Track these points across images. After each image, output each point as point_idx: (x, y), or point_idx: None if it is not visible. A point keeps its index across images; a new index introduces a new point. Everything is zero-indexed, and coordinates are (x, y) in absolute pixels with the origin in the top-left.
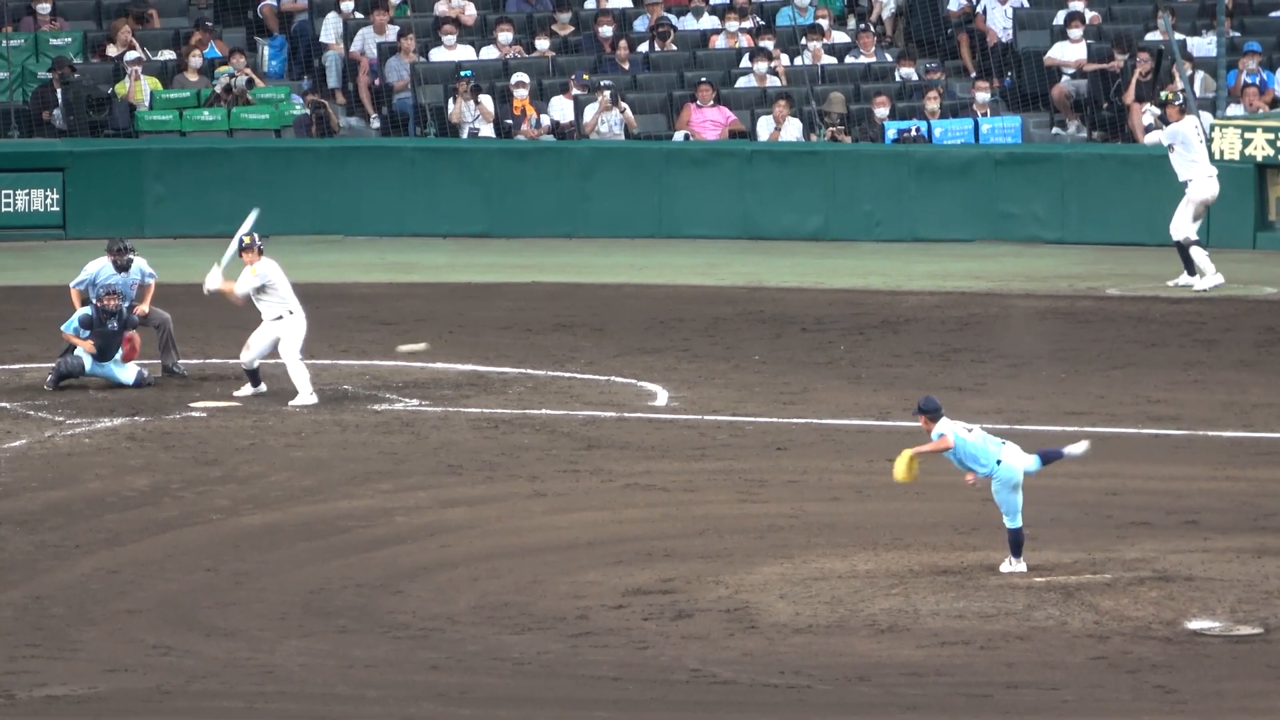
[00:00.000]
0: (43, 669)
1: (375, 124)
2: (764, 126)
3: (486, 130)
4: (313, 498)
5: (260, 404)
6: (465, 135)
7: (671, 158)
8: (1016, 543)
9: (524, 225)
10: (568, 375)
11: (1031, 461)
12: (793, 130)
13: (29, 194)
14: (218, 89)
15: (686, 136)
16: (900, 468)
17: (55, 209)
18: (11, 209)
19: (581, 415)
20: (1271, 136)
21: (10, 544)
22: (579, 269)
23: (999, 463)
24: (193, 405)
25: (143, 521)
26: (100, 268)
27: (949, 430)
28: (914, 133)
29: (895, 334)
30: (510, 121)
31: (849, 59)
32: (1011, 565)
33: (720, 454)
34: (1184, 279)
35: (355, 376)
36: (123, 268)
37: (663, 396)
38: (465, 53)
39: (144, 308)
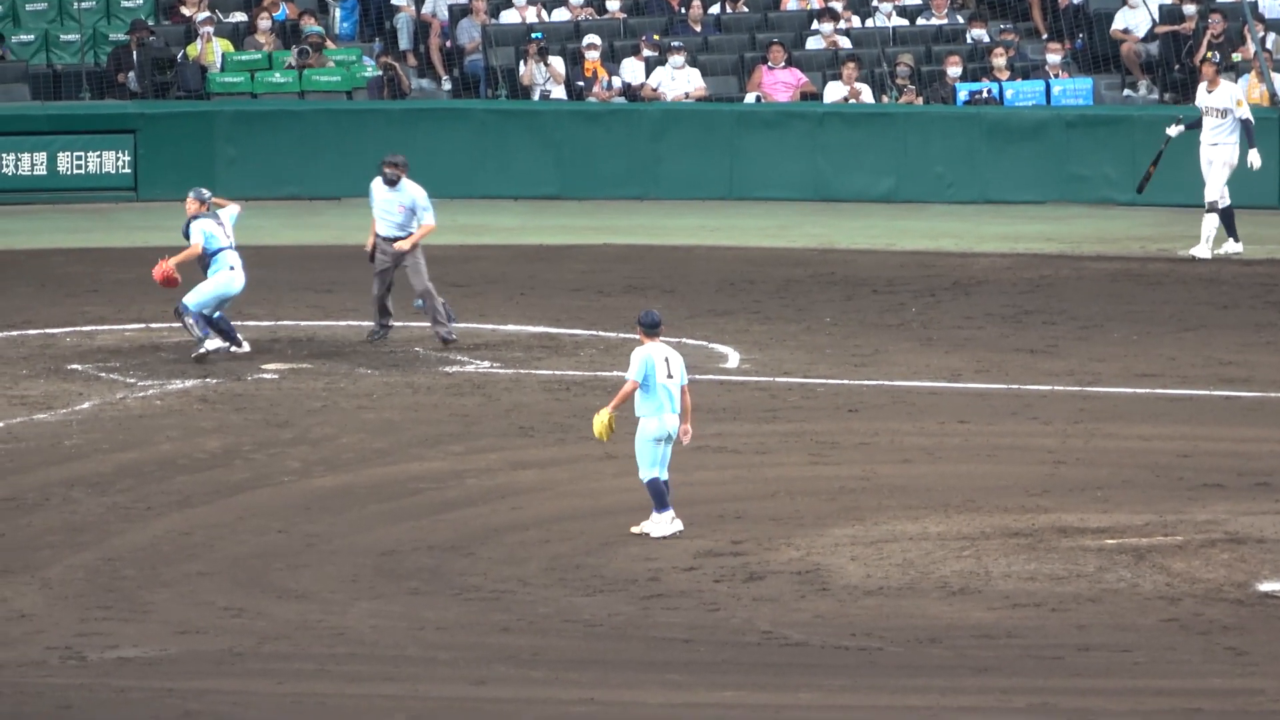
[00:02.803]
0: (114, 631)
1: (446, 86)
2: (833, 91)
3: (558, 92)
4: (384, 460)
5: (331, 366)
6: (536, 97)
7: (743, 120)
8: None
9: (595, 187)
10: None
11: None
12: (863, 94)
13: (100, 156)
14: (293, 61)
15: (758, 98)
16: (599, 427)
17: (127, 171)
18: (83, 171)
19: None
20: None
21: (82, 506)
22: (650, 231)
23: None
24: (264, 367)
25: (214, 483)
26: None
27: (638, 361)
28: (985, 94)
29: (967, 296)
30: (581, 83)
31: (920, 21)
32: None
33: (791, 416)
34: (1230, 246)
35: (427, 339)
36: (391, 181)
37: (734, 358)
38: (536, 14)
39: (405, 244)
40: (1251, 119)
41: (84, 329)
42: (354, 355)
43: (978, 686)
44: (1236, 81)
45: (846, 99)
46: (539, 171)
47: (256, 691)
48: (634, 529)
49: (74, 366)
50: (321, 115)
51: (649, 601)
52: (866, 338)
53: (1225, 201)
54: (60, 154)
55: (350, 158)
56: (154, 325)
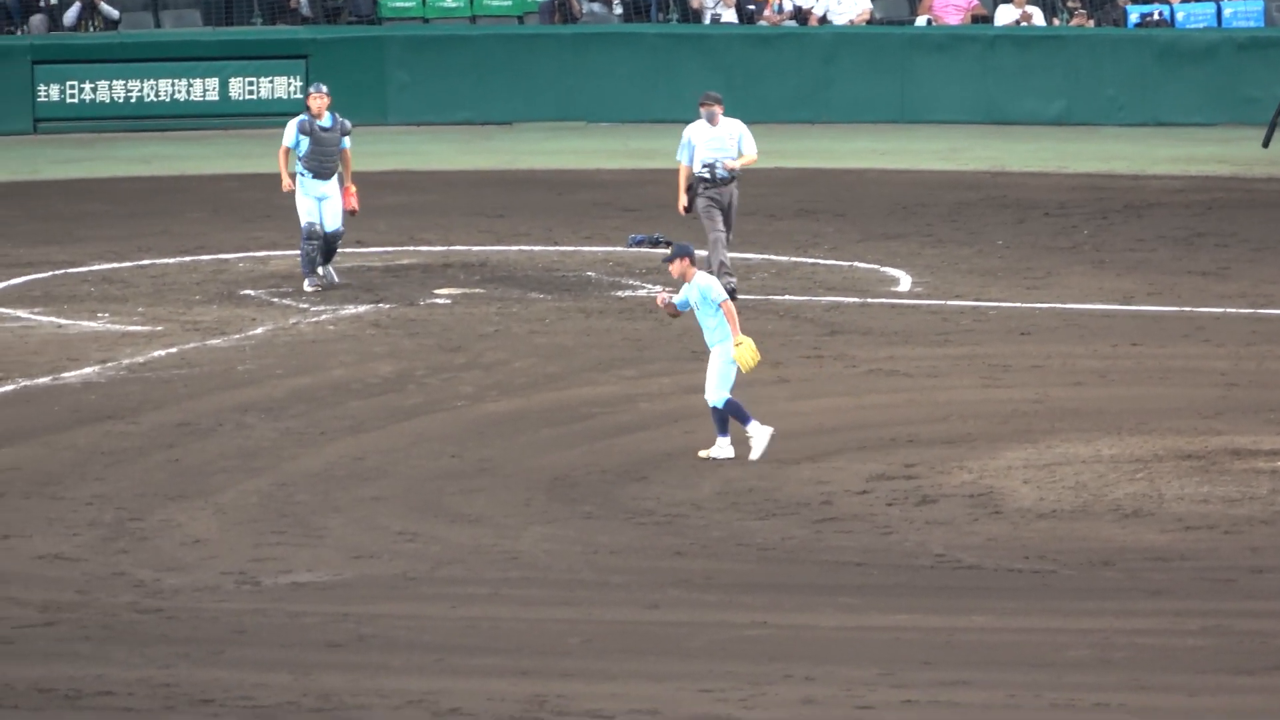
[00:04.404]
0: (288, 556)
1: (618, 10)
2: (1004, 14)
3: (729, 16)
4: (557, 384)
5: (503, 291)
6: (707, 21)
7: (914, 43)
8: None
9: (766, 111)
10: (810, 261)
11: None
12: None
13: (272, 81)
14: None
15: (929, 21)
16: (747, 358)
17: (298, 96)
18: (255, 96)
19: (824, 301)
20: None
21: (256, 431)
22: (821, 154)
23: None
24: (437, 292)
25: (387, 408)
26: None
27: (717, 285)
28: (1156, 17)
29: (1139, 218)
30: (753, 6)
31: None
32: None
33: (963, 339)
34: None
35: (599, 263)
36: (713, 119)
37: (906, 282)
38: None
39: (735, 164)
40: None
41: (257, 254)
42: (526, 280)
43: (1151, 609)
44: None
45: (1018, 22)
46: None
47: (430, 615)
48: (703, 453)
49: (247, 292)
50: (493, 40)
51: (821, 525)
52: (1038, 260)
53: None
54: (232, 79)
55: (522, 82)
56: None
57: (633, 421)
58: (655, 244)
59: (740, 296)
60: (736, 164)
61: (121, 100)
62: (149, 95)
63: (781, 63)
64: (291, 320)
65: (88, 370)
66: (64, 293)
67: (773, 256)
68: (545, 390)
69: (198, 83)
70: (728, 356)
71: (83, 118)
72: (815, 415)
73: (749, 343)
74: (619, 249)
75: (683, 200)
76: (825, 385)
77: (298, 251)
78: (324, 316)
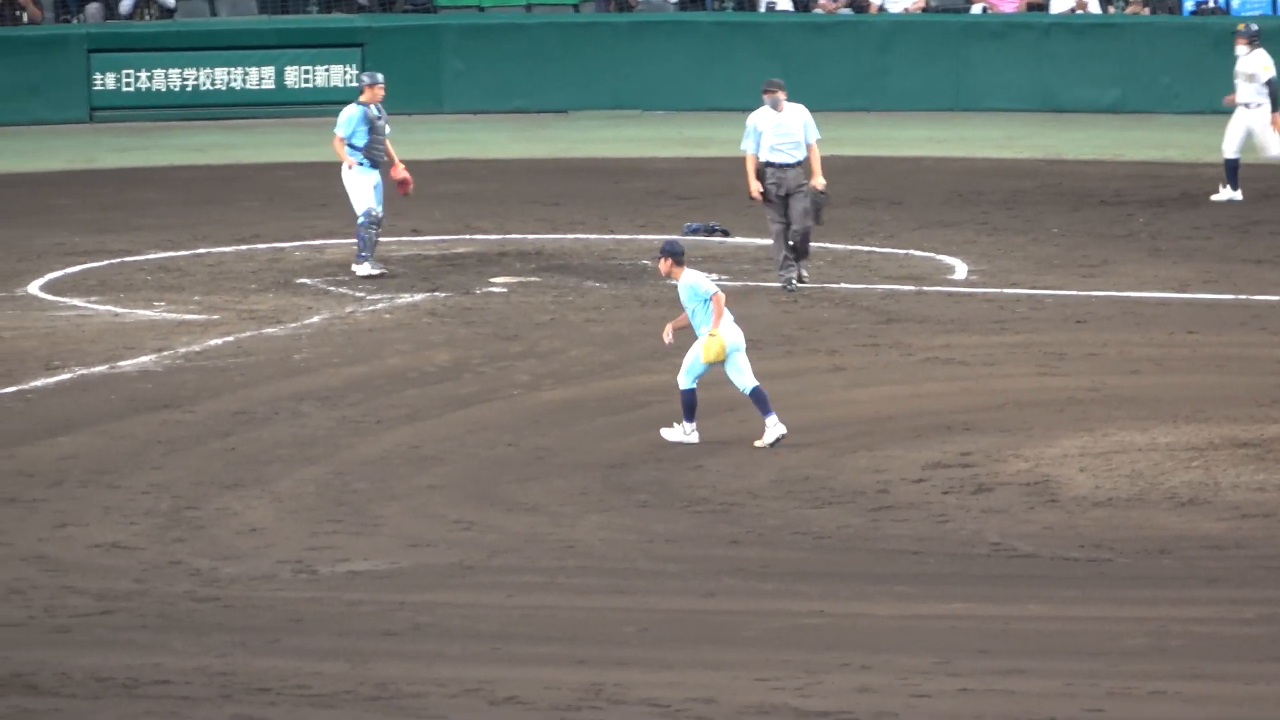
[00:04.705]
0: (345, 544)
1: None
2: (1059, 1)
3: (784, 4)
4: (612, 372)
5: (559, 279)
6: (763, 9)
7: (969, 30)
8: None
9: (821, 99)
10: (866, 249)
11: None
12: (1090, 4)
13: (328, 70)
14: None
15: (984, 8)
16: (713, 352)
17: (354, 85)
18: (311, 85)
19: (880, 289)
20: None
21: (312, 420)
22: (876, 142)
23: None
24: (493, 281)
25: (443, 397)
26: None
27: (705, 281)
28: (1212, 4)
29: (1194, 206)
30: None
31: None
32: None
33: (1019, 327)
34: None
35: (654, 251)
36: (777, 105)
37: (961, 270)
38: None
39: (818, 180)
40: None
41: (312, 243)
42: (582, 268)
43: (1207, 598)
44: None
45: (1073, 9)
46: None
47: (487, 604)
48: (759, 443)
49: (303, 281)
50: (548, 28)
51: (878, 514)
52: (1094, 248)
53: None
54: (288, 68)
55: (577, 70)
56: (382, 240)
57: None
58: (711, 232)
59: (799, 285)
60: (821, 182)
61: (177, 89)
62: (205, 84)
63: (837, 50)
64: (348, 309)
65: (144, 359)
66: (120, 281)
67: (828, 244)
68: (601, 378)
69: (253, 71)
70: (730, 344)
71: (139, 106)
72: (871, 403)
73: (720, 340)
74: (674, 237)
75: (755, 186)
76: (881, 373)
77: (353, 240)
78: (380, 305)
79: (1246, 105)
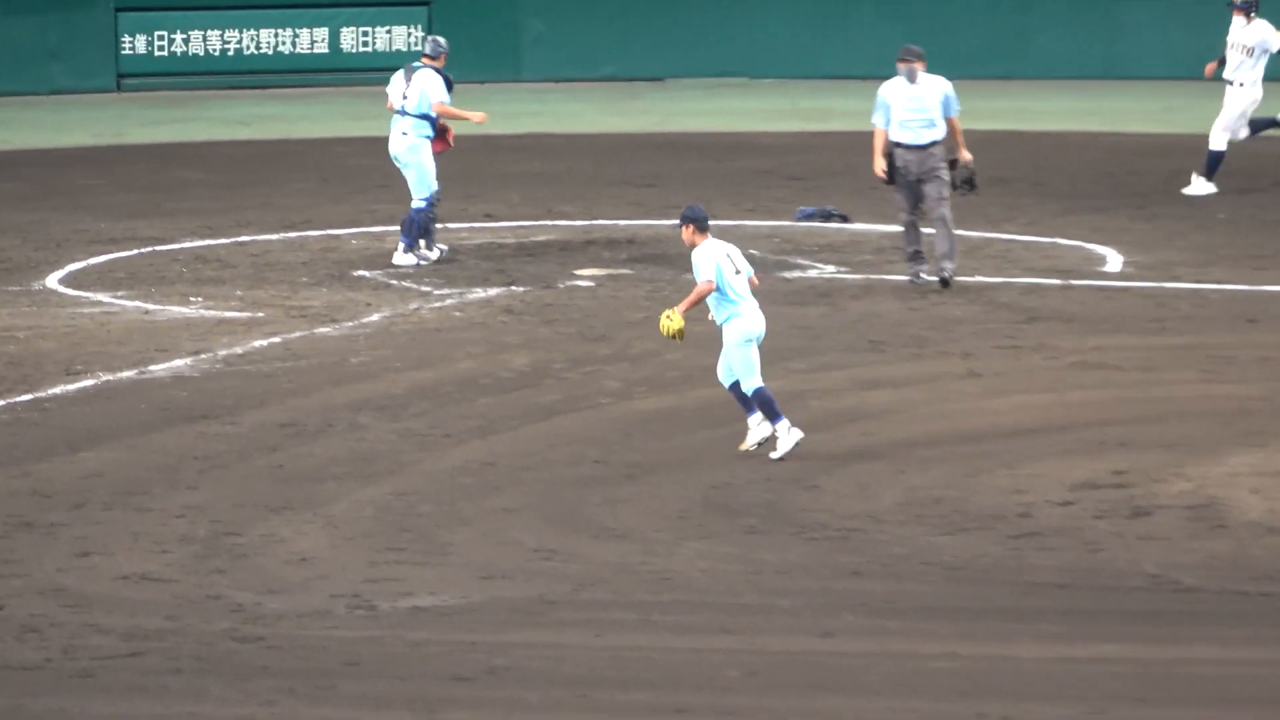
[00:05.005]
0: (409, 576)
1: None
2: None
3: None
4: (714, 379)
5: (654, 271)
6: None
7: None
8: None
9: (954, 65)
10: (1005, 237)
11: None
12: None
13: (389, 32)
14: None
15: None
16: (673, 327)
17: (419, 49)
18: (370, 49)
19: (1022, 283)
20: None
21: (371, 433)
22: (1016, 115)
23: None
24: (578, 273)
25: (521, 406)
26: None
27: (708, 262)
28: None
29: None
30: None
31: None
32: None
33: (1181, 327)
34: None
35: (763, 239)
36: (912, 76)
37: (1115, 261)
38: None
39: (965, 154)
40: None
41: (372, 230)
42: (679, 259)
43: None
44: None
45: None
46: (889, 47)
47: (571, 644)
48: (742, 446)
49: (361, 273)
50: None
51: (1019, 541)
52: (1266, 237)
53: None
54: (344, 29)
55: (675, 32)
56: (451, 225)
57: (802, 421)
58: (828, 217)
59: (928, 278)
60: (968, 156)
61: (217, 53)
62: (248, 47)
63: (971, 10)
64: (412, 305)
65: (178, 363)
66: (151, 273)
67: (962, 232)
68: (701, 386)
69: (304, 33)
70: (739, 336)
71: (172, 73)
72: (1011, 414)
73: (677, 323)
74: (786, 223)
75: (880, 164)
76: (1023, 380)
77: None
78: (449, 301)
79: (1240, 85)
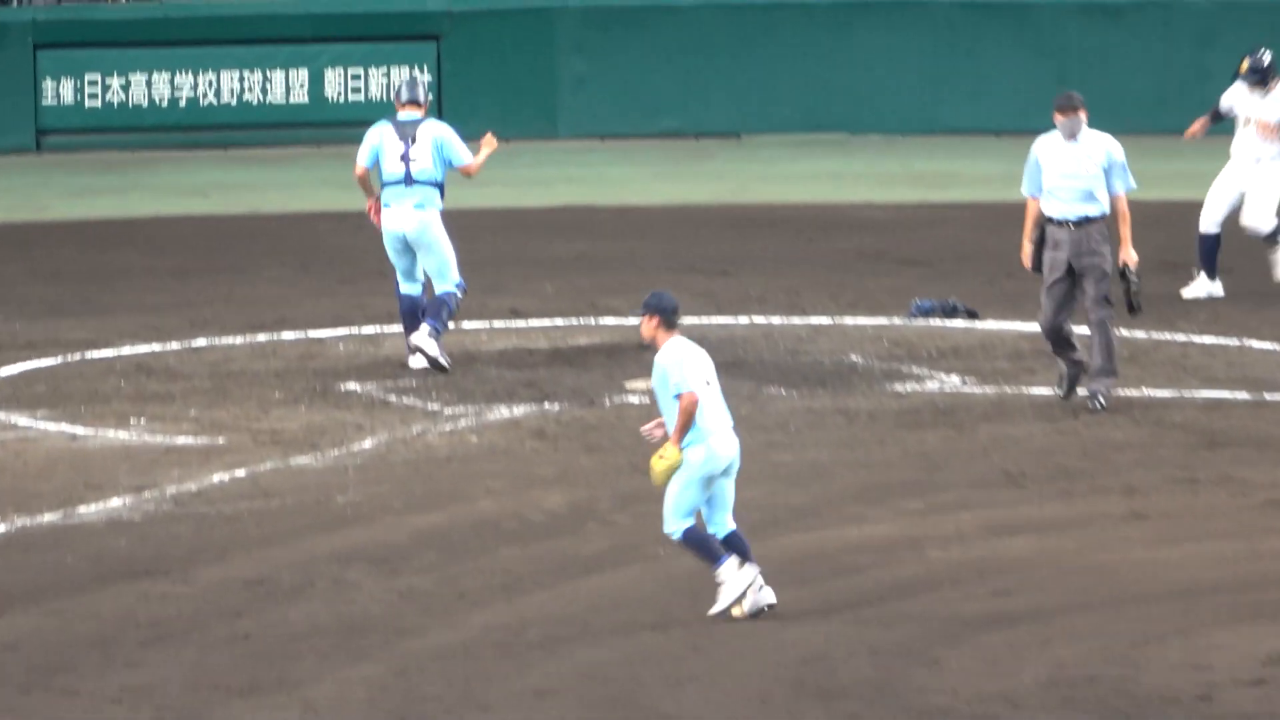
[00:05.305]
0: None
1: None
2: None
3: None
4: (805, 522)
5: (727, 383)
6: None
7: None
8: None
9: (1115, 115)
10: (1180, 338)
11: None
12: None
13: (388, 73)
14: None
15: None
16: (660, 474)
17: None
18: (361, 97)
19: (1200, 397)
20: None
21: (363, 593)
22: (1193, 180)
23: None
24: (629, 385)
25: (557, 558)
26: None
27: (683, 367)
28: None
29: None
30: None
31: None
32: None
33: None
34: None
35: (867, 341)
36: (1072, 131)
37: None
38: None
39: (1128, 253)
40: None
41: (364, 330)
42: (760, 367)
43: None
44: None
45: None
46: (1032, 93)
47: None
48: (713, 610)
49: (350, 386)
50: (711, 12)
51: None
52: None
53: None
54: (329, 71)
55: (753, 77)
56: (466, 325)
57: (918, 576)
58: (951, 312)
59: (1081, 392)
60: (1133, 256)
61: (165, 103)
62: (205, 95)
63: (1135, 44)
64: (416, 429)
65: (115, 502)
66: (81, 388)
67: (1129, 333)
68: (789, 531)
69: (278, 76)
70: (687, 469)
71: (108, 128)
72: (1188, 567)
73: (675, 459)
74: (897, 321)
75: (1027, 249)
76: (1202, 523)
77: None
78: (463, 423)
79: (1256, 160)
